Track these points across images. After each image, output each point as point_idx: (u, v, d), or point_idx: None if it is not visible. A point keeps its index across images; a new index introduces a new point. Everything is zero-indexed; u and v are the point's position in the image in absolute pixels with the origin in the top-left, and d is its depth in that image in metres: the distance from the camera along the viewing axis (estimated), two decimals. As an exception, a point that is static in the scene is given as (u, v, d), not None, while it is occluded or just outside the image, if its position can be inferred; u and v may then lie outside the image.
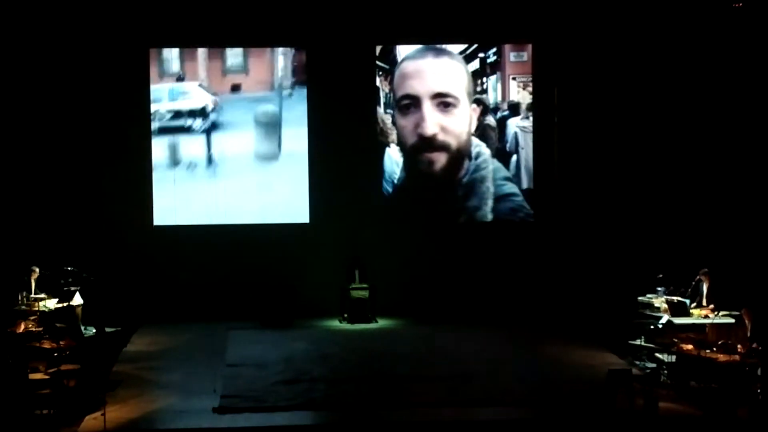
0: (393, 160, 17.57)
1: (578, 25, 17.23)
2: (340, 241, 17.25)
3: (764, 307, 12.28)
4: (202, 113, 17.12)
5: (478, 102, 17.59)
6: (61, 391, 11.40)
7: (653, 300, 14.01)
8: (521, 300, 17.14)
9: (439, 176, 17.52)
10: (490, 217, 17.55)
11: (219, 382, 12.71)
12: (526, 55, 17.67)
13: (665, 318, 13.34)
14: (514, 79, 17.66)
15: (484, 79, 17.63)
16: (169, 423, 11.23)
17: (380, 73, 17.54)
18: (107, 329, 14.23)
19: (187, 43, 17.06)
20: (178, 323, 16.41)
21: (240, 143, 17.22)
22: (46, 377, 11.58)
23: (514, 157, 17.61)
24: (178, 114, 17.10)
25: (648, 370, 12.88)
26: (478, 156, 17.47)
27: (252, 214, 17.21)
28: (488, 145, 17.53)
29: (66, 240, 16.24)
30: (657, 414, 11.18)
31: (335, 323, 16.68)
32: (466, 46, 17.52)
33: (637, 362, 13.43)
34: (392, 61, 17.55)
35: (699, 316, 13.27)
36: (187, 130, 17.12)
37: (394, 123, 17.52)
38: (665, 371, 12.70)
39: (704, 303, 13.49)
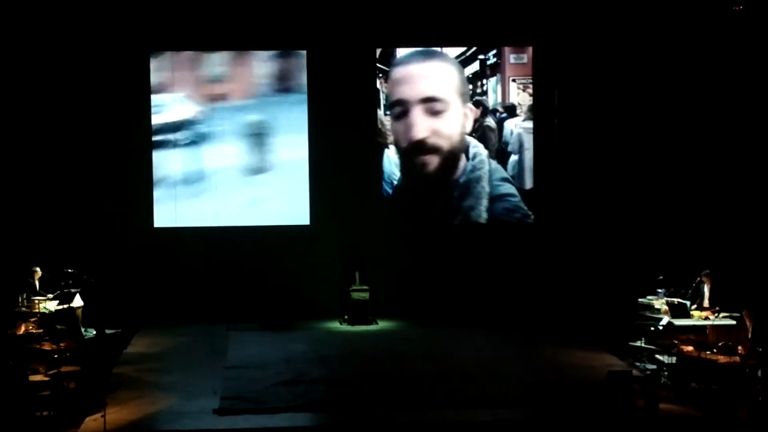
0: (392, 161, 17.59)
1: (578, 28, 17.23)
2: (341, 242, 17.25)
3: (765, 309, 12.27)
4: (184, 125, 17.07)
5: (477, 103, 17.60)
6: (61, 392, 11.39)
7: (654, 301, 14.02)
8: (522, 301, 17.13)
9: (434, 177, 17.54)
10: (485, 216, 17.54)
11: (219, 384, 12.71)
12: (526, 57, 17.67)
13: (666, 319, 13.34)
14: (514, 80, 17.67)
15: (484, 81, 17.64)
16: (170, 424, 11.22)
17: (380, 75, 17.55)
18: (107, 331, 14.26)
19: (184, 47, 17.04)
20: (179, 325, 16.40)
21: (235, 152, 17.24)
22: (47, 379, 11.55)
23: (514, 158, 17.60)
24: (161, 129, 17.09)
25: (648, 372, 12.89)
26: (475, 156, 17.48)
27: (252, 217, 17.20)
28: (488, 146, 17.55)
29: (66, 242, 16.24)
30: (657, 415, 11.19)
31: (335, 325, 16.67)
32: (464, 48, 17.53)
33: (638, 364, 13.43)
34: (392, 64, 17.59)
35: (699, 317, 13.27)
36: (173, 144, 17.09)
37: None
38: (665, 373, 12.70)
39: (705, 304, 13.50)
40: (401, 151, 17.53)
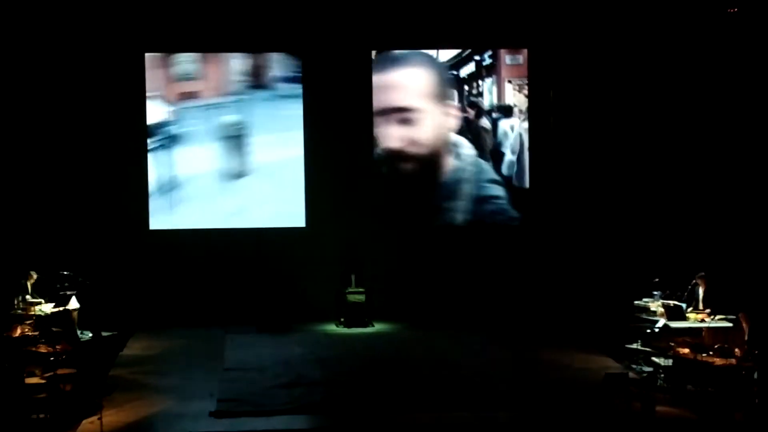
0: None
1: (573, 30, 17.24)
2: (337, 245, 17.25)
3: (761, 311, 12.30)
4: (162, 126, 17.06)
5: (472, 105, 17.61)
6: (57, 395, 11.36)
7: (650, 304, 14.02)
8: (518, 303, 17.13)
9: (419, 180, 17.56)
10: (466, 217, 17.51)
11: (216, 386, 12.70)
12: (521, 58, 17.69)
13: (662, 322, 13.35)
14: (509, 82, 17.68)
15: (480, 82, 17.65)
16: (166, 427, 11.21)
17: (363, 80, 17.55)
18: (104, 333, 14.24)
19: (180, 49, 17.03)
20: (175, 327, 16.37)
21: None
22: (43, 381, 11.56)
23: (509, 159, 17.61)
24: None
25: (645, 374, 12.90)
26: (461, 156, 17.47)
27: (248, 219, 17.19)
28: (482, 147, 17.55)
29: (62, 244, 16.21)
30: (654, 418, 11.19)
31: (332, 327, 16.66)
32: (459, 50, 17.57)
33: (634, 366, 13.45)
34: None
35: (695, 320, 13.28)
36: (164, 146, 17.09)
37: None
38: (662, 375, 12.71)
39: (700, 307, 13.51)
40: (383, 157, 17.54)
